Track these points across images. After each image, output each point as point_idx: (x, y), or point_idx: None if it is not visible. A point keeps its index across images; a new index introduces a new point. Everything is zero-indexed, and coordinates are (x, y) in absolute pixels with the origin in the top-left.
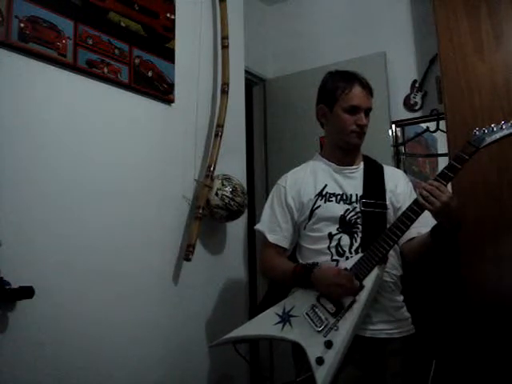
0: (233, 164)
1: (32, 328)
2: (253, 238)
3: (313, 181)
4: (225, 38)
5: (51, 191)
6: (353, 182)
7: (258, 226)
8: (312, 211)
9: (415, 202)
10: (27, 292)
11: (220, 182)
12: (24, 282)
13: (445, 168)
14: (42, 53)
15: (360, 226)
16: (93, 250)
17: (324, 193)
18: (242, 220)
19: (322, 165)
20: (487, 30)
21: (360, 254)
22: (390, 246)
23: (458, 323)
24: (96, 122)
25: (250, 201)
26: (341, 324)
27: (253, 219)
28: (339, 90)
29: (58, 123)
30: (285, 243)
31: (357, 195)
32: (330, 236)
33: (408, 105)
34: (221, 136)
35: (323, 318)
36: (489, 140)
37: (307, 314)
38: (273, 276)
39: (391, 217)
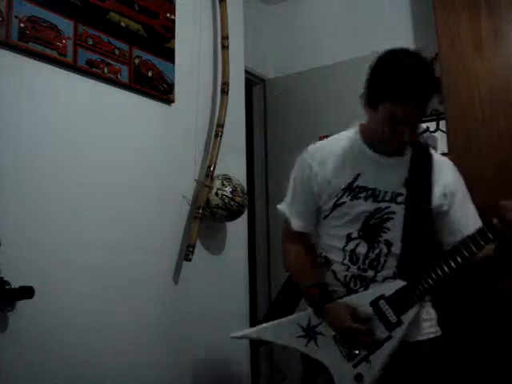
0: (233, 164)
1: (32, 328)
2: (253, 237)
3: (344, 166)
4: (225, 37)
5: (51, 191)
6: (392, 175)
7: (281, 207)
8: (335, 205)
9: (489, 225)
10: (27, 292)
11: (220, 182)
12: (24, 282)
13: None
14: (42, 53)
15: (383, 234)
16: (93, 250)
17: (354, 186)
18: (242, 220)
19: (360, 147)
20: (487, 30)
21: (398, 281)
22: (439, 278)
23: (457, 323)
24: (96, 121)
25: (250, 201)
26: (373, 358)
27: (253, 219)
28: (392, 97)
29: (58, 123)
30: (308, 229)
31: (393, 192)
32: (349, 237)
33: None
34: (221, 136)
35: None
36: None
37: (335, 336)
38: (292, 275)
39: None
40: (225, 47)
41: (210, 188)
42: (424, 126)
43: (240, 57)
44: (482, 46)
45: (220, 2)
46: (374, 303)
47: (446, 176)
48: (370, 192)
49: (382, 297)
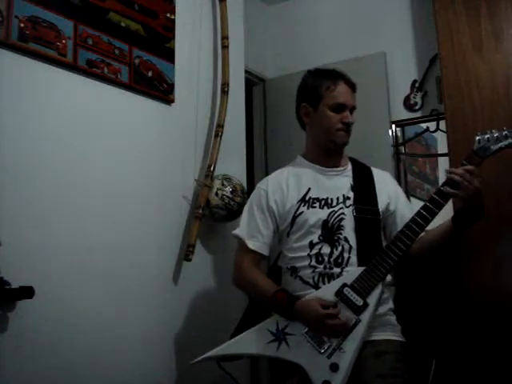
0: (233, 164)
1: (32, 328)
2: None
3: (296, 185)
4: (225, 38)
5: (51, 191)
6: (339, 183)
7: (236, 232)
8: (294, 218)
9: (439, 192)
10: (27, 292)
11: (220, 181)
12: (24, 282)
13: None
14: (42, 53)
15: (342, 232)
16: (93, 250)
17: (307, 198)
18: None
19: (305, 167)
20: (487, 30)
21: (360, 268)
22: (398, 256)
23: (457, 323)
24: (96, 121)
25: None
26: (345, 345)
27: None
28: (323, 87)
29: (58, 123)
30: (265, 250)
31: (343, 196)
32: (311, 244)
33: (408, 105)
34: (221, 136)
35: (326, 338)
36: (494, 149)
37: (306, 333)
38: (250, 292)
39: (384, 223)
40: (225, 47)
41: (210, 188)
42: (424, 125)
43: (240, 57)
44: (482, 46)
45: (220, 2)
46: (339, 292)
47: (387, 183)
48: (323, 202)
49: (344, 285)
